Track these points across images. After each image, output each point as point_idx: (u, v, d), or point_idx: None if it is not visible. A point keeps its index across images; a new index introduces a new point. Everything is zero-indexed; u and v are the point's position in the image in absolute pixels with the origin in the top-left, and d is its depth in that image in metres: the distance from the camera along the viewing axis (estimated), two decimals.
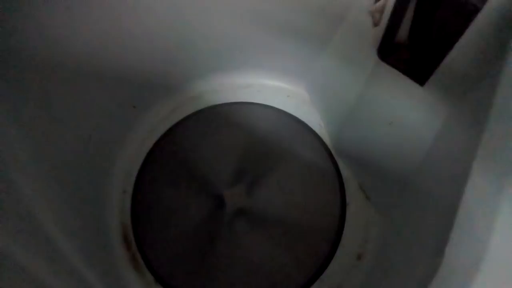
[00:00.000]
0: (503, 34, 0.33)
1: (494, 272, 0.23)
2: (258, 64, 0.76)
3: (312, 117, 0.76)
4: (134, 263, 0.68)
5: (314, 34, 0.64)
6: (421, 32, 0.41)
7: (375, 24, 0.44)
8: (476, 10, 0.34)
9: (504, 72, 0.30)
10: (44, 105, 0.56)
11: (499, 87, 0.30)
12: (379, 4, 0.44)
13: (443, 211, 0.34)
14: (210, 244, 0.68)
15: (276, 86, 0.79)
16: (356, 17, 0.53)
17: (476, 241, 0.25)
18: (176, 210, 0.71)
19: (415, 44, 0.42)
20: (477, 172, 0.29)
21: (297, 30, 0.65)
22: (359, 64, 0.56)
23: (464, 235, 0.27)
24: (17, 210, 0.47)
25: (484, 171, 0.28)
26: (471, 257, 0.24)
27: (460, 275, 0.25)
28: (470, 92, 0.39)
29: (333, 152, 0.73)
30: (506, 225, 0.23)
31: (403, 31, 0.42)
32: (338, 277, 0.66)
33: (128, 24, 0.60)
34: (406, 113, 0.49)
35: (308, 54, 0.69)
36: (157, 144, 0.76)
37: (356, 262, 0.66)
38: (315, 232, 0.68)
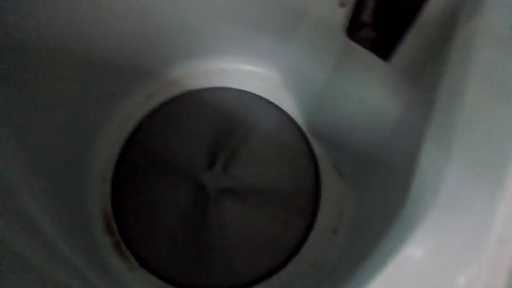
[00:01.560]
0: (450, 23, 0.36)
1: (441, 214, 0.27)
2: (232, 50, 0.78)
3: (285, 99, 0.78)
4: (117, 249, 0.69)
5: (285, 18, 0.66)
6: (384, 11, 0.44)
7: (342, 4, 0.47)
8: None
9: (450, 57, 0.34)
10: (19, 92, 0.56)
11: (446, 70, 0.34)
12: None
13: (406, 179, 0.38)
14: (193, 227, 0.70)
15: (250, 71, 0.81)
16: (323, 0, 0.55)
17: (428, 191, 0.28)
18: (156, 195, 0.72)
19: (379, 22, 0.45)
20: (429, 141, 0.33)
21: (268, 15, 0.67)
22: (328, 46, 0.59)
23: (417, 190, 0.31)
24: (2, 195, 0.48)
25: (434, 140, 0.32)
26: (422, 204, 0.28)
27: (411, 220, 0.29)
28: (426, 73, 0.42)
29: (306, 132, 0.76)
30: (450, 179, 0.27)
31: (368, 11, 0.45)
32: (315, 251, 0.69)
33: (103, 10, 0.60)
34: (374, 90, 0.52)
35: (280, 38, 0.71)
36: (135, 131, 0.77)
37: (332, 236, 0.69)
38: (291, 210, 0.71)
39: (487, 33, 0.31)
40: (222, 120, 0.77)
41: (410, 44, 0.42)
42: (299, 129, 0.76)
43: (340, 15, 0.49)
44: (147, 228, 0.70)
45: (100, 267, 0.65)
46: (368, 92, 0.53)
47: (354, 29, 0.47)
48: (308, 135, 0.76)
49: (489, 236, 0.27)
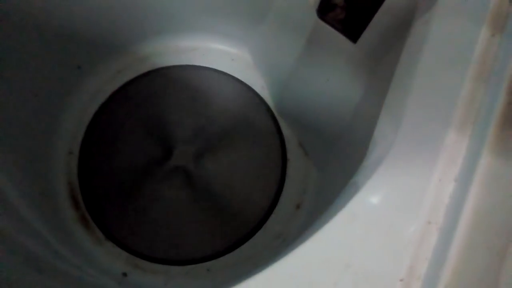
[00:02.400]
0: (409, 13, 0.40)
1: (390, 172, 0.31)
2: (203, 28, 0.78)
3: (255, 79, 0.80)
4: (83, 222, 0.69)
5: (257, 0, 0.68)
6: None
7: None
8: None
9: (406, 46, 0.38)
10: None
11: (401, 57, 0.38)
12: None
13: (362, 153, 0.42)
14: (157, 199, 0.71)
15: (220, 50, 0.82)
16: None
17: (377, 160, 0.33)
18: (123, 170, 0.72)
19: (349, 4, 0.48)
20: (382, 119, 0.38)
21: None
22: (298, 27, 0.61)
23: (370, 158, 0.35)
24: None
25: (386, 116, 0.37)
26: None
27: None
28: (389, 53, 0.46)
29: (275, 112, 0.78)
30: (397, 150, 0.32)
31: None
32: (280, 225, 0.72)
33: None
34: (340, 69, 0.55)
35: (251, 18, 0.73)
36: (103, 106, 0.76)
37: (296, 211, 0.73)
38: (258, 186, 0.74)
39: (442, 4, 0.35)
40: (191, 98, 0.78)
41: (375, 26, 0.45)
42: (268, 109, 0.79)
43: None
44: (114, 201, 0.71)
45: (66, 240, 0.65)
46: (335, 72, 0.56)
47: (325, 10, 0.50)
48: (277, 115, 0.78)
49: (428, 188, 0.31)
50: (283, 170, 0.75)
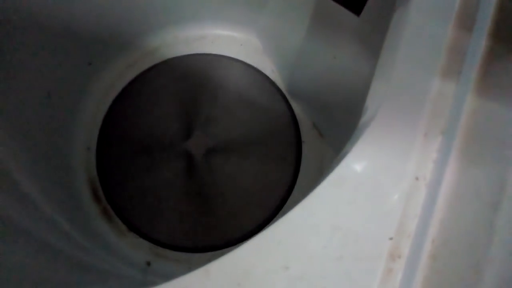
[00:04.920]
0: None
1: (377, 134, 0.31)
2: (210, 15, 0.78)
3: (265, 63, 0.80)
4: (105, 215, 0.71)
5: None
6: None
7: None
8: None
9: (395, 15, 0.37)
10: None
11: (391, 20, 0.38)
12: None
13: None
14: (178, 187, 0.72)
15: (229, 36, 0.81)
16: None
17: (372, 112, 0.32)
18: (142, 162, 0.73)
19: None
20: (375, 81, 0.38)
21: None
22: (302, 5, 0.60)
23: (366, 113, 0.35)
24: None
25: (378, 80, 0.37)
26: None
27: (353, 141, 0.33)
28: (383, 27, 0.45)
29: (286, 94, 0.78)
30: (387, 104, 0.32)
31: None
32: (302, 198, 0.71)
33: None
34: (346, 45, 0.54)
35: (257, 2, 0.72)
36: (116, 100, 0.77)
37: None
38: (275, 170, 0.74)
39: None
40: (203, 86, 0.78)
41: None
42: (279, 91, 0.78)
43: None
44: (135, 193, 0.72)
45: (90, 234, 0.67)
46: (341, 48, 0.55)
47: None
48: (289, 97, 0.77)
49: (414, 145, 0.31)
50: (299, 152, 0.75)
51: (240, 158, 0.73)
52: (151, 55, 0.80)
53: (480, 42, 0.30)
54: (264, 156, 0.74)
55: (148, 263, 0.68)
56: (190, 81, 0.79)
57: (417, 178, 0.30)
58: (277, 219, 0.70)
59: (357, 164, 0.31)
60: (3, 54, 0.58)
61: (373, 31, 0.49)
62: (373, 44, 0.50)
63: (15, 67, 0.60)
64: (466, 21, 0.32)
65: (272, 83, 0.78)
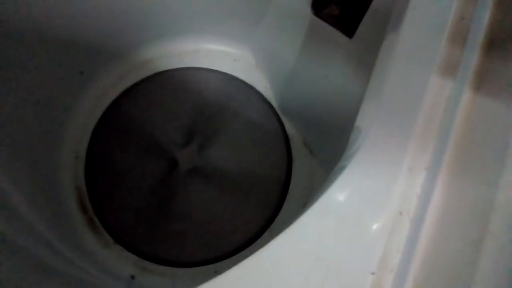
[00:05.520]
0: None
1: (363, 163, 0.32)
2: (205, 30, 0.78)
3: (258, 79, 0.80)
4: (91, 226, 0.70)
5: (255, 0, 0.68)
6: None
7: None
8: None
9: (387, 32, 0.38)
10: None
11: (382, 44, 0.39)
12: None
13: None
14: (165, 203, 0.71)
15: (223, 51, 0.82)
16: None
17: (359, 134, 0.33)
18: (130, 173, 0.73)
19: (343, 0, 0.47)
20: (365, 102, 0.38)
21: None
22: (296, 25, 0.61)
23: (356, 136, 0.35)
24: None
25: (368, 102, 0.38)
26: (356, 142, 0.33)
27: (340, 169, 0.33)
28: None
29: (278, 111, 0.78)
30: (374, 134, 0.32)
31: None
32: (286, 225, 0.71)
33: None
34: (338, 66, 0.54)
35: (251, 19, 0.72)
36: (107, 110, 0.77)
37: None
38: (264, 186, 0.73)
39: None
40: (195, 100, 0.78)
41: (370, 20, 0.44)
42: (271, 108, 0.78)
43: None
44: (121, 205, 0.71)
45: (74, 245, 0.66)
46: (333, 68, 0.55)
47: (319, 6, 0.49)
48: (281, 114, 0.78)
49: (398, 179, 0.31)
50: (289, 169, 0.75)
51: (228, 178, 0.73)
52: (143, 67, 0.80)
53: (462, 89, 0.31)
54: (253, 174, 0.74)
55: (133, 277, 0.68)
56: (181, 95, 0.78)
57: (400, 213, 0.30)
58: (264, 238, 0.70)
59: (341, 195, 0.31)
60: None
61: (365, 53, 0.49)
62: (365, 65, 0.51)
63: (7, 76, 0.60)
64: (449, 68, 0.33)
65: (264, 100, 0.79)
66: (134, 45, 0.78)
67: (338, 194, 0.31)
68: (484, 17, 0.33)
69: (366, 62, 0.49)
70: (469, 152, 0.30)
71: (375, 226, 0.30)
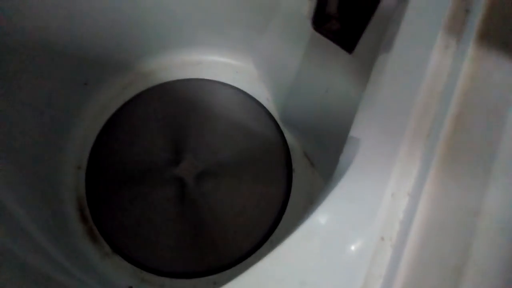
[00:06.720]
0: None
1: (348, 184, 0.32)
2: (207, 42, 0.79)
3: (260, 91, 0.80)
4: (91, 235, 0.70)
5: (258, 12, 0.68)
6: (348, 4, 0.46)
7: None
8: None
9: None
10: None
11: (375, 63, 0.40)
12: None
13: None
14: (165, 212, 0.71)
15: (225, 63, 0.82)
16: None
17: (351, 148, 0.34)
18: (131, 184, 0.73)
19: (343, 15, 0.48)
20: (359, 113, 0.39)
21: (242, 9, 0.69)
22: (298, 38, 0.61)
23: (347, 149, 0.36)
24: None
25: (361, 113, 0.39)
26: (350, 154, 0.33)
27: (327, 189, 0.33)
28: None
29: (279, 123, 0.78)
30: (360, 158, 0.32)
31: (333, 4, 0.47)
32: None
33: (77, 4, 0.61)
34: (339, 79, 0.55)
35: (254, 31, 0.73)
36: (110, 121, 0.78)
37: None
38: (264, 198, 0.73)
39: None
40: (197, 111, 0.79)
41: (369, 35, 0.45)
42: (273, 119, 0.79)
43: (308, 8, 0.51)
44: (122, 215, 0.71)
45: (72, 254, 0.66)
46: (334, 81, 0.56)
47: (320, 21, 0.50)
48: (282, 126, 0.78)
49: (381, 204, 0.31)
50: (289, 181, 0.75)
51: (228, 189, 0.73)
52: (146, 78, 0.81)
53: (447, 108, 0.31)
54: (253, 185, 0.74)
55: None
56: (184, 106, 0.79)
57: (382, 238, 0.30)
58: (264, 249, 0.70)
59: (326, 220, 0.31)
60: (2, 72, 0.59)
61: (366, 67, 0.50)
62: (365, 78, 0.51)
63: (11, 87, 0.61)
64: (436, 87, 0.33)
65: (266, 111, 0.79)
66: (138, 57, 0.79)
67: (323, 217, 0.31)
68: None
69: (366, 76, 0.50)
70: (451, 178, 0.30)
71: (357, 251, 0.30)
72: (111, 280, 0.67)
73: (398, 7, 0.38)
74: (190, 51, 0.81)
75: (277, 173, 0.75)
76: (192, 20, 0.74)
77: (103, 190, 0.73)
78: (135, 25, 0.72)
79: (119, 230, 0.71)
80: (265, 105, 0.80)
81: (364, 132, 0.33)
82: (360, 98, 0.53)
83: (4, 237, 0.52)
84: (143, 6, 0.70)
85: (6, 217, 0.56)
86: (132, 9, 0.69)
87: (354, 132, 0.36)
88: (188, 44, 0.80)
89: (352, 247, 0.30)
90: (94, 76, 0.76)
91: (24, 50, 0.62)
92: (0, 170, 0.58)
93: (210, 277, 0.69)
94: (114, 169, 0.74)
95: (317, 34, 0.53)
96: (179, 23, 0.75)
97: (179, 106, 0.79)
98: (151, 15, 0.72)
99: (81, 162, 0.75)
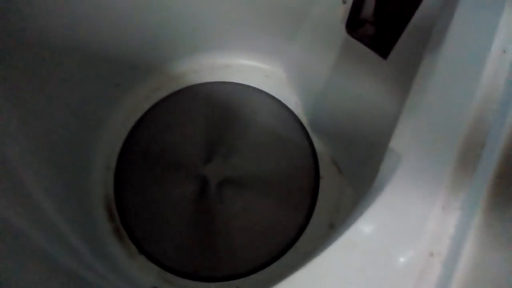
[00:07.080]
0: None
1: (394, 192, 0.30)
2: (238, 45, 0.79)
3: (289, 95, 0.80)
4: (117, 235, 0.71)
5: (289, 18, 0.68)
6: (383, 9, 0.45)
7: (344, 1, 0.48)
8: None
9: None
10: (31, 80, 0.58)
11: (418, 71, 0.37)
12: None
13: None
14: (192, 215, 0.71)
15: (254, 66, 0.82)
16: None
17: (392, 158, 0.32)
18: (158, 185, 0.74)
19: (379, 20, 0.46)
20: (401, 123, 0.36)
21: (272, 15, 0.69)
22: (329, 44, 0.60)
23: (388, 159, 0.34)
24: (8, 178, 0.50)
25: (404, 123, 0.36)
26: (390, 165, 0.32)
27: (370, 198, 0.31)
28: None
29: (308, 129, 0.77)
30: (400, 174, 0.31)
31: (368, 8, 0.46)
32: (312, 244, 0.70)
33: (110, 2, 0.62)
34: (371, 85, 0.53)
35: (284, 36, 0.73)
36: (140, 122, 0.78)
37: (329, 230, 0.70)
38: (289, 204, 0.72)
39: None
40: (225, 114, 0.79)
41: (405, 42, 0.44)
42: (301, 125, 0.78)
43: (342, 12, 0.50)
44: (148, 216, 0.72)
45: (100, 253, 0.67)
46: (366, 88, 0.55)
47: (354, 26, 0.49)
48: (310, 131, 0.77)
49: (430, 217, 0.29)
50: (316, 187, 0.74)
51: (254, 194, 0.73)
52: (176, 80, 0.81)
53: (504, 124, 0.29)
54: (280, 190, 0.73)
55: None
56: (212, 109, 0.79)
57: (431, 254, 0.28)
58: (288, 256, 0.69)
59: (368, 230, 0.30)
60: (37, 73, 0.60)
61: (401, 73, 0.48)
62: (400, 85, 0.50)
63: (46, 86, 0.62)
64: (493, 93, 0.31)
65: (294, 116, 0.78)
66: (169, 59, 0.80)
67: (366, 228, 0.30)
68: None
69: (402, 83, 0.48)
70: (510, 194, 0.28)
71: (403, 266, 0.29)
72: (136, 279, 0.67)
73: (444, 9, 0.36)
74: (220, 54, 0.81)
75: (304, 180, 0.74)
76: (222, 25, 0.75)
77: (131, 190, 0.74)
78: (167, 28, 0.73)
79: (145, 230, 0.71)
80: (293, 110, 0.79)
81: (409, 140, 0.32)
82: (394, 105, 0.51)
83: (37, 234, 0.53)
84: (174, 11, 0.70)
85: (36, 213, 0.57)
86: (164, 13, 0.70)
87: (397, 139, 0.34)
88: (217, 48, 0.80)
89: (398, 262, 0.29)
90: (127, 78, 0.77)
91: (62, 53, 0.63)
92: (31, 165, 0.59)
93: (234, 281, 0.68)
94: (143, 169, 0.75)
95: (350, 39, 0.51)
96: (210, 28, 0.75)
97: (207, 109, 0.79)
98: (182, 19, 0.72)
99: (111, 162, 0.76)
